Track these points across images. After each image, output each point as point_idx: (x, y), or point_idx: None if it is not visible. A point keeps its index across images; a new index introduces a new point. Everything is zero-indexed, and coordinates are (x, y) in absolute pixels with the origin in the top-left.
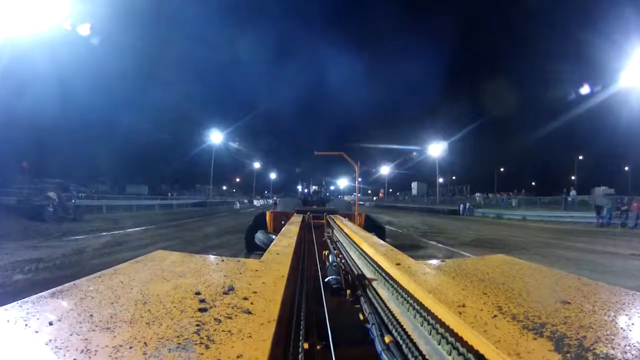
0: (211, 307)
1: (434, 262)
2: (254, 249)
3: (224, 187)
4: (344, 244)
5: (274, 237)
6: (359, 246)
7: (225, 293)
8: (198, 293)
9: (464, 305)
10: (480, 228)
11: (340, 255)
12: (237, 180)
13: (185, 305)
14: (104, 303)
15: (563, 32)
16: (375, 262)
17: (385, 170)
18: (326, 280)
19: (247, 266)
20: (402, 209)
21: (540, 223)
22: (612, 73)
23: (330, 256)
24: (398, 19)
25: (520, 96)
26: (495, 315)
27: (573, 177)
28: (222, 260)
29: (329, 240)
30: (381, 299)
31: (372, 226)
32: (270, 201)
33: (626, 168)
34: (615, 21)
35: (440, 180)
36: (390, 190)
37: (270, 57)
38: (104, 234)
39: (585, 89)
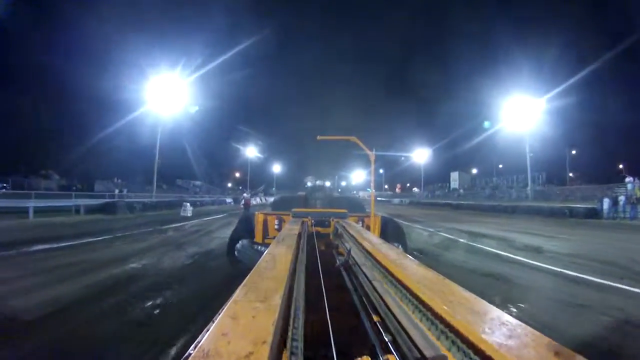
0: None
1: None
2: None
3: (229, 185)
4: (383, 292)
5: (263, 249)
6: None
7: None
8: None
9: None
10: None
11: (380, 323)
12: (237, 175)
13: None
14: None
15: None
16: None
17: (422, 155)
18: None
19: None
20: (464, 208)
21: None
22: None
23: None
24: None
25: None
26: None
27: (621, 166)
28: None
29: (344, 271)
30: None
31: (392, 232)
32: (260, 199)
33: None
34: None
35: (474, 170)
36: (408, 184)
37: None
38: None
39: None
